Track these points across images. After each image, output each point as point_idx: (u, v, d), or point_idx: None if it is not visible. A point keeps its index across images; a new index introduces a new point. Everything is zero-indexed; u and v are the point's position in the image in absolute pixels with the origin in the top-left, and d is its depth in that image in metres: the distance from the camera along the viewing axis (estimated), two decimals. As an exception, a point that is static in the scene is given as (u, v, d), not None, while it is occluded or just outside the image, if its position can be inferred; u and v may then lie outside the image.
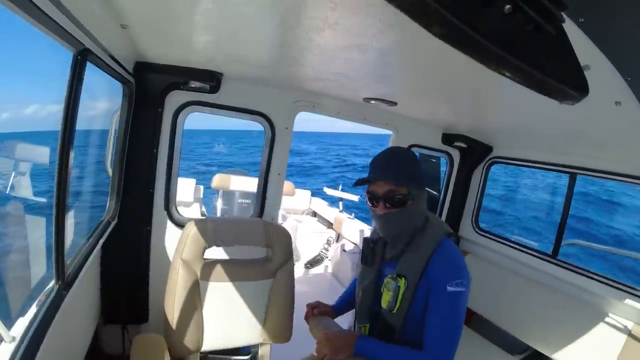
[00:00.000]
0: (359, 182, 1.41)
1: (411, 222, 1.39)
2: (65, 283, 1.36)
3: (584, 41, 0.70)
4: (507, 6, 0.45)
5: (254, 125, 2.43)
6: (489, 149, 3.09)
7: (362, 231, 4.84)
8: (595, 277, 2.36)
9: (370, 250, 1.54)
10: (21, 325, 1.17)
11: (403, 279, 1.36)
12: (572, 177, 2.55)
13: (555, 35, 0.51)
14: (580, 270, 2.45)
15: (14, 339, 1.09)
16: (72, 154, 1.23)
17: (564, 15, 0.52)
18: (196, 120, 2.31)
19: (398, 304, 1.37)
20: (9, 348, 1.05)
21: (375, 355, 1.35)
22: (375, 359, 1.35)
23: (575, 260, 2.62)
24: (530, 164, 2.86)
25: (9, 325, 1.14)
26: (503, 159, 3.06)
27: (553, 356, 2.36)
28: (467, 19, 0.43)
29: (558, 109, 0.56)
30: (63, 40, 1.05)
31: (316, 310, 1.71)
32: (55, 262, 1.30)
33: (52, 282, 1.35)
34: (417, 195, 1.37)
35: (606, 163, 2.30)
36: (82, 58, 1.17)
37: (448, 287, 1.29)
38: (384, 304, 1.40)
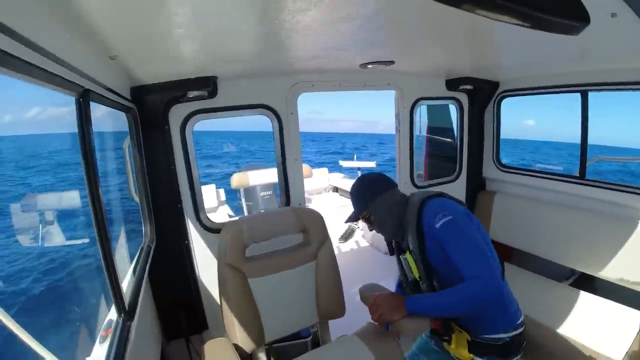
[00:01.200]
0: (352, 220, 1.80)
1: (387, 222, 1.70)
2: (127, 314, 1.43)
3: None
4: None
5: (256, 126, 2.44)
6: (495, 85, 3.02)
7: None
8: (627, 189, 2.33)
9: (389, 244, 1.89)
10: None
11: (408, 252, 1.65)
12: (584, 95, 2.49)
13: None
14: (611, 186, 2.42)
15: None
16: (101, 192, 1.27)
17: None
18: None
19: (415, 272, 1.63)
20: None
21: (426, 306, 1.48)
22: (427, 310, 1.48)
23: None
24: (539, 91, 2.79)
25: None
26: (512, 91, 2.99)
27: (600, 275, 2.36)
28: None
29: (558, 34, 0.56)
30: (63, 89, 1.06)
31: None
32: (113, 296, 1.36)
33: (116, 316, 1.41)
34: (376, 206, 1.71)
35: (615, 74, 2.24)
36: (84, 99, 1.19)
37: (436, 225, 1.47)
38: (409, 279, 1.69)
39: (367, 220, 1.80)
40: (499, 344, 1.56)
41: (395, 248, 1.83)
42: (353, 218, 1.82)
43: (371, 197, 1.74)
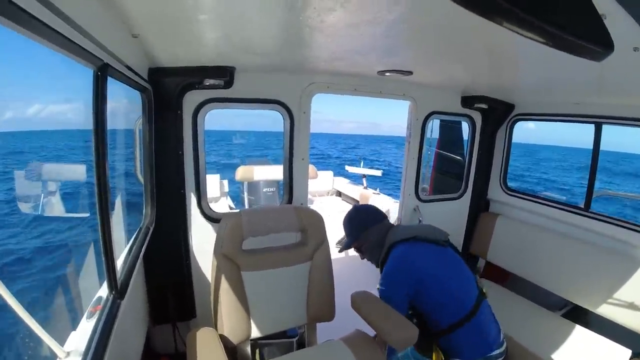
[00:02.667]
0: (344, 248, 2.16)
1: (375, 253, 2.00)
2: (119, 292, 1.43)
3: None
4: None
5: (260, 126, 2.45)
6: (510, 107, 3.01)
7: (388, 205, 4.85)
8: (630, 226, 2.32)
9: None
10: (77, 338, 1.22)
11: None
12: (598, 127, 2.48)
13: None
14: (614, 221, 2.40)
15: (68, 354, 1.13)
16: (108, 169, 1.28)
17: None
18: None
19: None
20: None
21: None
22: None
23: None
24: (553, 118, 2.78)
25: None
26: (526, 115, 2.98)
27: (594, 309, 2.35)
28: None
29: (579, 61, 0.56)
30: (83, 59, 1.07)
31: None
32: (107, 273, 1.36)
33: (106, 293, 1.41)
34: (363, 237, 2.02)
35: (630, 110, 2.22)
36: (102, 73, 1.19)
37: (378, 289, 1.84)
38: None
39: (359, 250, 2.07)
40: None
41: None
42: (345, 246, 2.11)
43: (362, 230, 2.01)
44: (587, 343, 2.24)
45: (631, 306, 2.21)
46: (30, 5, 0.68)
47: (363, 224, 2.02)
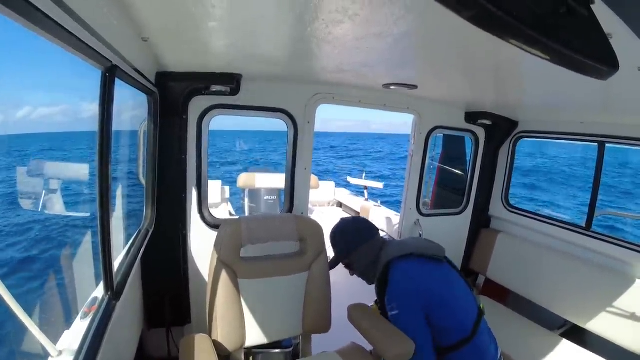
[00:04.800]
0: (332, 266, 2.07)
1: (369, 271, 1.91)
2: (114, 293, 1.42)
3: (605, 11, 0.69)
4: (541, -10, 0.45)
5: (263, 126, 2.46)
6: (514, 124, 3.02)
7: (389, 218, 4.83)
8: (631, 246, 2.30)
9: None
10: (70, 337, 1.21)
11: (375, 303, 1.91)
12: (601, 146, 2.48)
13: (587, 16, 0.52)
14: (615, 241, 2.39)
15: (60, 352, 1.12)
16: (110, 170, 1.28)
17: None
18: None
19: None
20: None
21: None
22: None
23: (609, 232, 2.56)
24: (557, 137, 2.79)
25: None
26: (529, 133, 2.99)
27: (592, 329, 2.32)
28: (504, 6, 0.43)
29: (584, 80, 0.57)
30: (92, 60, 1.08)
31: None
32: (104, 274, 1.35)
33: (102, 294, 1.40)
34: (355, 255, 1.91)
35: (634, 129, 2.23)
36: (110, 75, 1.20)
37: (388, 312, 1.71)
38: None
39: (348, 267, 1.98)
40: None
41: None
42: (333, 264, 2.01)
43: (354, 246, 1.90)
44: None
45: (630, 326, 2.19)
46: (45, 5, 0.69)
47: (355, 240, 1.91)
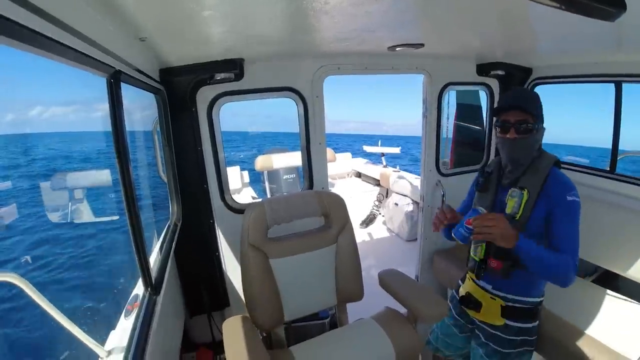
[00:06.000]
0: (499, 110, 1.58)
1: (533, 149, 1.57)
2: (154, 289, 1.49)
3: None
4: None
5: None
6: (528, 71, 2.89)
7: (409, 182, 4.81)
8: None
9: (486, 177, 1.73)
10: (117, 337, 1.28)
11: (526, 190, 1.53)
12: (618, 86, 2.37)
13: None
14: None
15: (109, 353, 1.18)
16: (131, 171, 1.32)
17: None
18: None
19: (521, 211, 1.52)
20: None
21: (530, 251, 1.42)
22: (528, 254, 1.42)
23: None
24: (573, 79, 2.66)
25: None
26: (545, 78, 2.86)
27: (624, 273, 2.28)
28: None
29: (594, 20, 0.53)
30: (94, 69, 1.09)
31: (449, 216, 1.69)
32: (141, 271, 1.42)
33: (142, 291, 1.48)
34: (540, 129, 1.56)
35: None
36: (115, 80, 1.22)
37: (567, 197, 1.46)
38: (508, 209, 1.55)
39: (521, 127, 1.53)
40: (528, 307, 1.62)
41: (491, 184, 1.71)
42: (505, 109, 1.56)
43: (542, 118, 1.58)
44: (619, 308, 2.19)
45: None
46: (41, 26, 0.70)
47: (542, 116, 1.58)
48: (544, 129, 1.60)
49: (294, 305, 1.99)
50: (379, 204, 5.47)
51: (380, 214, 5.39)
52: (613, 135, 2.48)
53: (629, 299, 2.24)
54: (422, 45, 2.05)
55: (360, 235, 4.78)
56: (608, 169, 2.54)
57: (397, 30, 1.74)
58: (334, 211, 2.09)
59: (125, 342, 1.22)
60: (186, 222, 2.24)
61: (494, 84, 3.01)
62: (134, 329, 1.27)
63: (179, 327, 2.16)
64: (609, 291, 2.32)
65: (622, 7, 0.51)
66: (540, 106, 1.57)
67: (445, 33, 1.89)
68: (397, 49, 2.10)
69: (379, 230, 5.03)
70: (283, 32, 1.63)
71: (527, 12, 1.38)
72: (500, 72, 2.81)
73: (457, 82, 2.87)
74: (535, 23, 1.60)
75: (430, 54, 2.46)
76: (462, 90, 3.48)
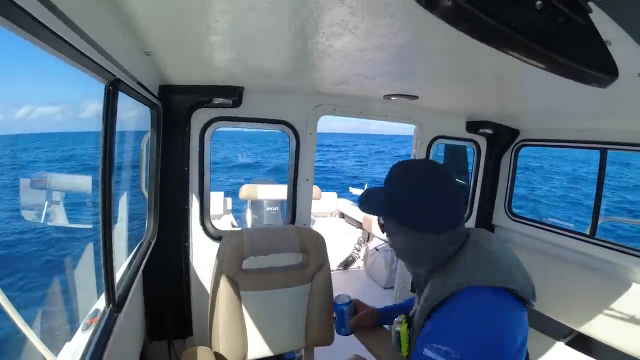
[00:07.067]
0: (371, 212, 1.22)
1: (413, 252, 1.12)
2: (116, 305, 1.41)
3: (603, 18, 0.69)
4: (539, 2, 0.46)
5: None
6: (515, 132, 3.02)
7: None
8: (637, 253, 2.28)
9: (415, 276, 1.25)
10: (71, 349, 1.21)
11: (404, 319, 1.24)
12: (603, 153, 2.48)
13: (585, 25, 0.52)
14: (620, 248, 2.37)
15: None
16: (113, 182, 1.28)
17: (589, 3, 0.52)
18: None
19: (404, 345, 1.22)
20: None
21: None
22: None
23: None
24: (559, 144, 2.79)
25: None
26: (531, 141, 2.99)
27: (598, 337, 2.29)
28: (502, 18, 0.44)
29: (584, 87, 0.57)
30: (95, 74, 1.10)
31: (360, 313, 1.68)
32: (105, 286, 1.34)
33: (104, 306, 1.39)
34: (409, 233, 1.09)
35: (636, 135, 2.23)
36: (113, 88, 1.22)
37: (425, 349, 0.93)
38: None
39: (385, 231, 1.21)
40: None
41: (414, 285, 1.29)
42: (372, 210, 1.19)
43: (413, 223, 1.08)
44: None
45: (636, 334, 2.16)
46: (49, 19, 0.70)
47: (417, 218, 1.07)
48: (424, 236, 1.07)
49: (259, 342, 1.90)
50: (360, 247, 5.43)
51: (359, 257, 5.33)
52: (595, 200, 2.56)
53: None
54: (416, 97, 2.13)
55: (337, 277, 4.69)
56: (588, 233, 2.59)
57: (395, 80, 1.82)
58: (313, 249, 2.05)
59: (78, 357, 1.14)
60: (160, 241, 2.16)
61: (482, 142, 3.13)
62: (89, 345, 1.19)
63: (136, 350, 2.02)
64: (580, 354, 2.31)
65: (615, 73, 0.54)
66: (395, 194, 1.10)
67: (440, 88, 1.98)
68: (392, 98, 2.18)
69: (356, 274, 4.95)
70: (286, 68, 1.67)
71: (520, 75, 1.46)
72: (488, 131, 2.93)
73: (446, 135, 2.97)
74: (526, 86, 1.70)
75: (423, 106, 2.56)
76: (450, 144, 3.60)
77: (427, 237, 1.07)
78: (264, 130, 2.49)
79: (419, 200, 1.06)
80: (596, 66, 0.53)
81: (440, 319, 0.99)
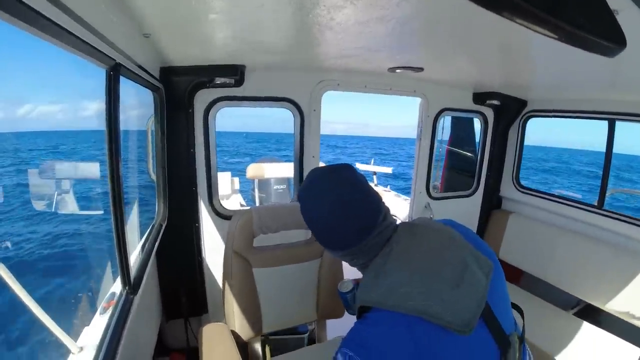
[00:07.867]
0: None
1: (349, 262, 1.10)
2: (132, 288, 1.46)
3: None
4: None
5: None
6: (523, 103, 2.97)
7: (399, 202, 4.83)
8: None
9: None
10: (90, 333, 1.24)
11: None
12: (611, 124, 2.44)
13: None
14: (628, 219, 2.36)
15: (81, 349, 1.15)
16: (121, 167, 1.30)
17: None
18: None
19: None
20: (83, 357, 1.13)
21: None
22: None
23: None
24: (567, 115, 2.74)
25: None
26: (539, 112, 2.94)
27: (605, 307, 2.32)
28: None
29: (592, 56, 0.56)
30: (95, 59, 1.08)
31: None
32: (120, 269, 1.39)
33: (120, 289, 1.44)
34: (357, 250, 1.02)
35: None
36: (114, 73, 1.21)
37: (338, 355, 0.89)
38: None
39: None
40: None
41: None
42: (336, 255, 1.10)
43: (357, 240, 1.00)
44: (597, 341, 2.23)
45: None
46: (44, 7, 0.69)
47: (358, 232, 1.00)
48: (361, 247, 1.01)
49: (273, 317, 1.96)
50: None
51: None
52: (603, 171, 2.54)
53: (608, 332, 2.27)
54: (421, 69, 2.09)
55: None
56: (596, 204, 2.59)
57: (399, 53, 1.77)
58: None
59: (98, 340, 1.19)
60: (171, 223, 2.21)
61: (489, 113, 3.08)
62: (107, 327, 1.24)
63: (154, 329, 2.10)
64: (588, 324, 2.35)
65: (622, 43, 0.53)
66: (309, 224, 1.11)
67: (445, 59, 1.93)
68: (397, 70, 2.13)
69: None
70: (287, 43, 1.64)
71: (527, 44, 1.42)
72: (495, 102, 2.88)
73: (453, 108, 2.93)
74: (533, 56, 1.65)
75: (429, 78, 2.51)
76: (457, 117, 3.55)
77: (349, 252, 1.03)
78: (264, 132, 2.47)
79: (323, 226, 1.05)
80: (604, 35, 0.52)
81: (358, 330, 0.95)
